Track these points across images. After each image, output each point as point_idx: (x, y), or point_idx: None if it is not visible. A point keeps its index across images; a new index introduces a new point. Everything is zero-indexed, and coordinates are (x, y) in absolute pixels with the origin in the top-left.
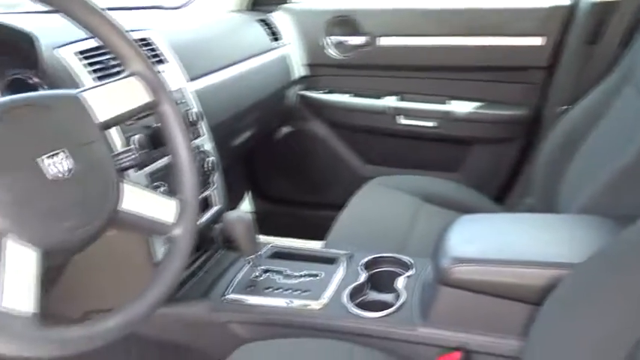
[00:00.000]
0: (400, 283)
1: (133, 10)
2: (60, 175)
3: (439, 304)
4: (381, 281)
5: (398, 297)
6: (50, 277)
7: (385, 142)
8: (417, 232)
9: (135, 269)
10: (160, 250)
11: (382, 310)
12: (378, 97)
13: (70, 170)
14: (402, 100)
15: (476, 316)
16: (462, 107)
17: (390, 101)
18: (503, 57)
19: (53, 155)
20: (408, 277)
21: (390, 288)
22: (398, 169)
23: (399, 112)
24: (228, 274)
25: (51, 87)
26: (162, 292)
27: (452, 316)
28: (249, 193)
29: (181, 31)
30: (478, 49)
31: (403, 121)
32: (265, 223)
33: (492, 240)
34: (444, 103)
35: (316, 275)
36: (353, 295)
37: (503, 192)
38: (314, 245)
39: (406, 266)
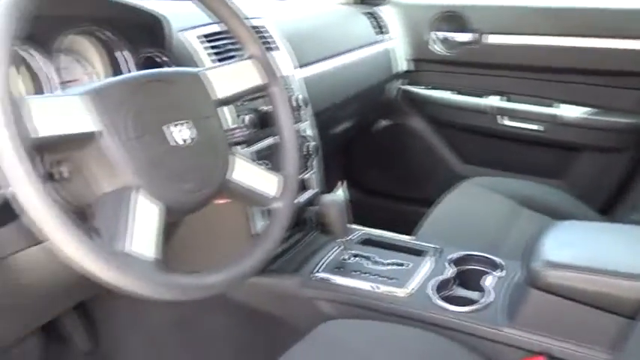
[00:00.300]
0: (488, 281)
1: None
2: (181, 143)
3: (527, 307)
4: (468, 278)
5: (484, 295)
6: (166, 232)
7: (485, 142)
8: (510, 235)
9: (234, 237)
10: (259, 224)
11: (467, 305)
12: (481, 95)
13: (192, 139)
14: (507, 100)
15: (563, 323)
16: (570, 112)
17: (494, 101)
18: (621, 61)
19: (177, 124)
20: (498, 277)
21: (477, 286)
22: (496, 170)
23: (502, 112)
24: (318, 254)
25: (176, 66)
26: (260, 257)
27: (539, 320)
28: (344, 182)
29: (292, 20)
30: (594, 51)
31: (506, 122)
32: (356, 212)
33: (589, 247)
34: (550, 106)
35: (403, 265)
36: (439, 288)
37: (608, 204)
38: (403, 238)
39: (496, 267)
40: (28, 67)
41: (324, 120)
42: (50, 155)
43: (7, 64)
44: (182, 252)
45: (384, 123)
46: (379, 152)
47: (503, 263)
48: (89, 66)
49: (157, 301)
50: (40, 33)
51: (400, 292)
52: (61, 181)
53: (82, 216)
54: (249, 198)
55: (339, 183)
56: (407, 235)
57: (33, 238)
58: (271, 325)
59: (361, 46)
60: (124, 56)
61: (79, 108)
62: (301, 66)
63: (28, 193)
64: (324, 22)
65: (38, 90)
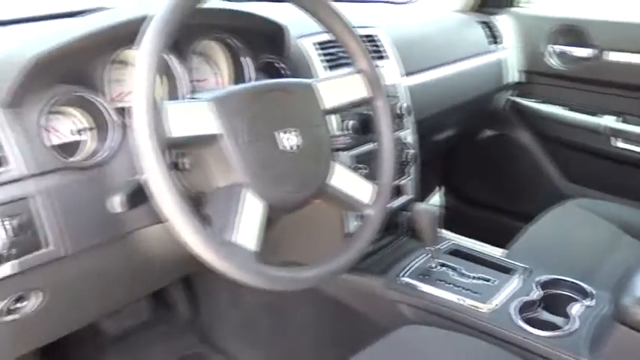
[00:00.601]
0: (575, 309)
1: (362, 3)
2: (288, 149)
3: (612, 342)
4: (554, 303)
5: (569, 322)
6: (266, 230)
7: (594, 162)
8: (607, 262)
9: (327, 235)
10: (352, 224)
11: (550, 330)
12: (595, 114)
13: (297, 146)
14: (623, 121)
15: None
16: None
17: (609, 121)
18: None
19: (287, 132)
20: (586, 306)
21: (562, 312)
22: (602, 193)
23: (617, 133)
24: (406, 259)
25: (292, 72)
26: (351, 257)
27: (622, 356)
28: (442, 189)
29: (405, 26)
30: None
31: (620, 144)
32: (451, 219)
33: None
34: None
35: (489, 280)
36: (522, 309)
37: None
38: (494, 251)
39: (586, 295)
40: (167, 69)
41: (426, 127)
42: (176, 148)
43: (155, 72)
44: (279, 245)
45: (488, 133)
46: (480, 161)
47: (594, 292)
48: (216, 68)
49: (253, 287)
50: (179, 40)
51: (483, 308)
52: (183, 170)
53: (197, 202)
54: (343, 202)
55: (437, 188)
56: (500, 247)
57: (156, 217)
58: (355, 321)
59: (472, 55)
60: (247, 61)
61: (206, 113)
62: (408, 74)
63: (157, 181)
64: (436, 30)
65: (172, 88)
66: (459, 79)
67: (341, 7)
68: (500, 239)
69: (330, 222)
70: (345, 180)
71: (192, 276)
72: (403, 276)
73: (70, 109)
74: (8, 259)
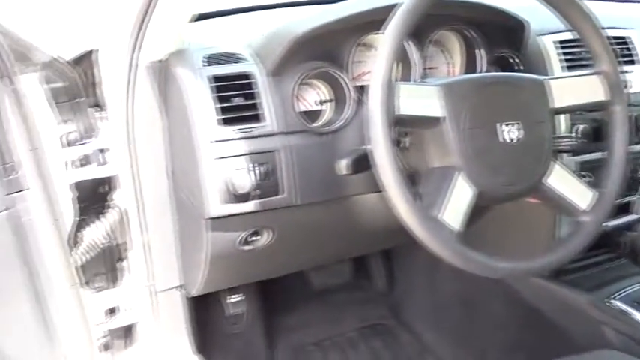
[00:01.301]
0: None
1: (620, 3)
2: (508, 141)
3: None
4: None
5: None
6: (473, 215)
7: None
8: None
9: (536, 238)
10: (564, 229)
11: None
12: None
13: (518, 140)
14: None
15: None
16: None
17: None
18: None
19: (509, 124)
20: None
21: None
22: None
23: None
24: (622, 282)
25: (526, 67)
26: (553, 260)
27: None
28: None
29: None
30: None
31: None
32: None
33: None
34: None
35: None
36: None
37: None
38: None
39: None
40: (404, 55)
41: None
42: (400, 127)
43: (395, 57)
44: (484, 235)
45: None
46: None
47: None
48: (449, 57)
49: (449, 274)
50: (418, 28)
51: None
52: (403, 149)
53: (411, 179)
54: (557, 205)
55: None
56: None
57: (374, 187)
58: (550, 332)
59: None
60: (481, 53)
61: (434, 96)
62: None
63: (381, 152)
64: None
65: (406, 72)
66: None
67: (592, 6)
68: None
69: (542, 224)
70: (563, 182)
71: (393, 252)
72: (614, 298)
73: (317, 82)
74: (253, 198)
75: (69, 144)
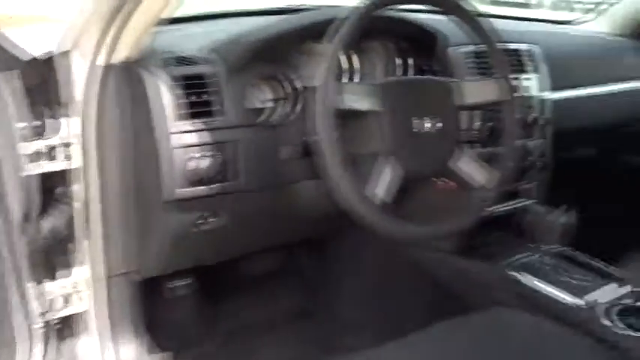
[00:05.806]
0: None
1: (523, 21)
2: (424, 132)
3: None
4: None
5: None
6: (401, 191)
7: None
8: None
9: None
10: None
11: None
12: None
13: (430, 130)
14: None
15: None
16: None
17: None
18: None
19: (424, 118)
20: None
21: None
22: None
23: None
24: (512, 254)
25: (440, 72)
26: (456, 224)
27: None
28: (575, 205)
29: (560, 44)
30: None
31: None
32: (581, 240)
33: None
34: None
35: (592, 282)
36: (622, 312)
37: None
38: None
39: None
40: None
41: (567, 141)
42: (342, 119)
43: (337, 61)
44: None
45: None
46: (620, 187)
47: None
48: (376, 64)
49: (371, 262)
50: (354, 39)
51: (579, 302)
52: (342, 138)
53: (350, 162)
54: (462, 182)
55: (568, 205)
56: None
57: (313, 174)
58: (447, 296)
59: (627, 79)
60: (402, 61)
61: (370, 93)
62: (555, 89)
63: (326, 141)
64: (591, 50)
65: (344, 75)
66: (610, 101)
67: (498, 23)
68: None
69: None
70: (466, 164)
71: (322, 243)
72: (506, 267)
73: (267, 82)
74: (206, 183)
75: (28, 138)
